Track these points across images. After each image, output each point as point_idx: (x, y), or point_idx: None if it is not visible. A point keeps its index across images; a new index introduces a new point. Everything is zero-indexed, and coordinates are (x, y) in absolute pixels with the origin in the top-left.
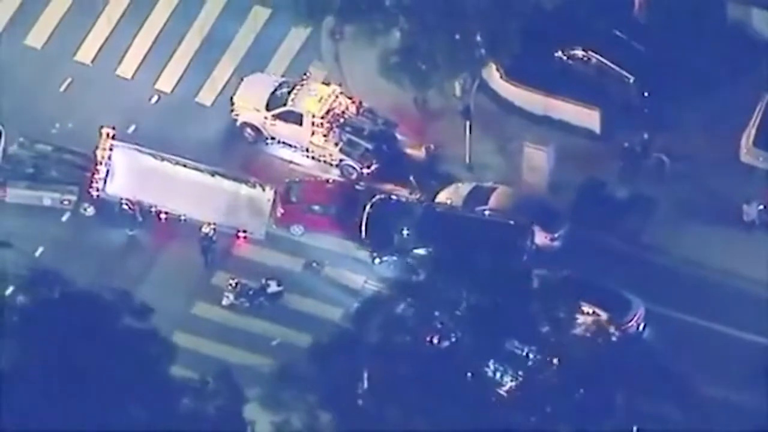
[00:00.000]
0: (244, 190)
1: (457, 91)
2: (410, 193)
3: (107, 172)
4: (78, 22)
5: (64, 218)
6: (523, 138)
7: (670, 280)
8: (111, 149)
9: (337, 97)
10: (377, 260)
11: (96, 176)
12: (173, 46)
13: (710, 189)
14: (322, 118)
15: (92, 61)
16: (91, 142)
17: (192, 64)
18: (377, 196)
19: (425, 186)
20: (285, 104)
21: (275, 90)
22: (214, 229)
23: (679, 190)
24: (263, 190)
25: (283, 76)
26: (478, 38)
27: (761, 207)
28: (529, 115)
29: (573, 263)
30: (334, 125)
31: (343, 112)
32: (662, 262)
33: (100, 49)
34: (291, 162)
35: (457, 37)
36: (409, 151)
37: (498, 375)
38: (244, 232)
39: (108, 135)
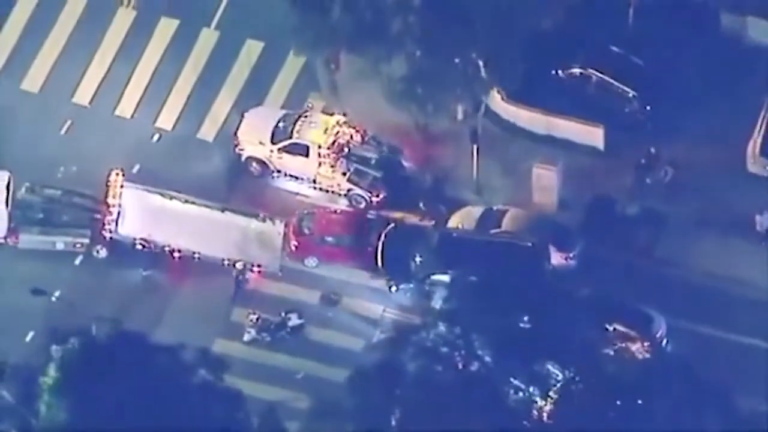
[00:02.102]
0: (254, 224)
1: (459, 115)
2: (420, 220)
3: (119, 213)
4: (72, 64)
5: (77, 261)
6: (527, 159)
7: (687, 293)
8: (121, 190)
9: (341, 126)
10: (394, 288)
11: (108, 218)
12: (169, 83)
13: (719, 200)
14: (329, 148)
15: (90, 103)
16: (97, 184)
17: (190, 101)
18: (391, 224)
19: (435, 211)
20: (290, 137)
21: (278, 123)
22: (245, 265)
23: (689, 202)
24: (274, 223)
25: (282, 108)
26: (482, 62)
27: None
28: (532, 136)
29: (589, 281)
30: (340, 155)
31: (348, 142)
32: (678, 276)
33: (97, 89)
34: (298, 194)
35: (459, 61)
36: (415, 176)
37: (532, 396)
38: (259, 266)
39: (118, 176)
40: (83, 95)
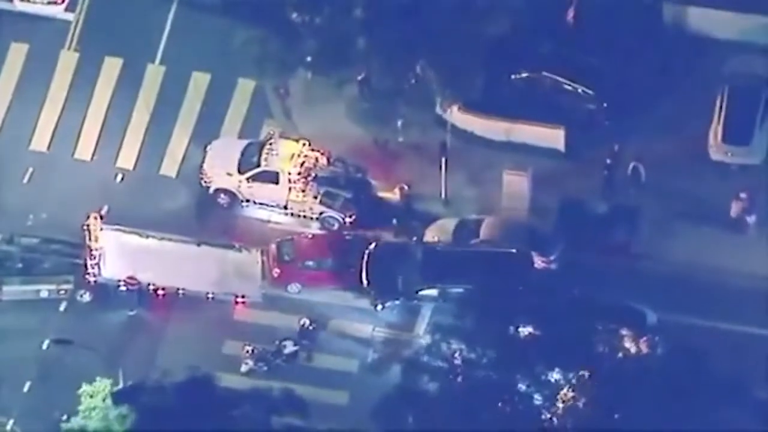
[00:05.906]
0: (231, 255)
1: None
2: (395, 236)
3: (100, 256)
4: (24, 111)
5: (61, 308)
6: (490, 167)
7: (672, 286)
8: (100, 233)
9: (307, 150)
10: (379, 307)
11: (91, 262)
12: (124, 122)
13: (687, 190)
14: (299, 173)
15: (48, 149)
16: (69, 228)
17: (147, 138)
18: (374, 243)
19: (408, 227)
20: (258, 165)
21: (243, 152)
22: (311, 321)
23: (659, 196)
24: (250, 252)
25: (240, 136)
26: (434, 73)
27: (743, 198)
28: (492, 144)
29: (572, 283)
30: (309, 179)
31: (315, 165)
32: (660, 270)
33: (53, 135)
34: (269, 221)
35: (412, 74)
36: (383, 194)
37: (540, 402)
38: (242, 297)
39: (96, 219)
40: (40, 142)
